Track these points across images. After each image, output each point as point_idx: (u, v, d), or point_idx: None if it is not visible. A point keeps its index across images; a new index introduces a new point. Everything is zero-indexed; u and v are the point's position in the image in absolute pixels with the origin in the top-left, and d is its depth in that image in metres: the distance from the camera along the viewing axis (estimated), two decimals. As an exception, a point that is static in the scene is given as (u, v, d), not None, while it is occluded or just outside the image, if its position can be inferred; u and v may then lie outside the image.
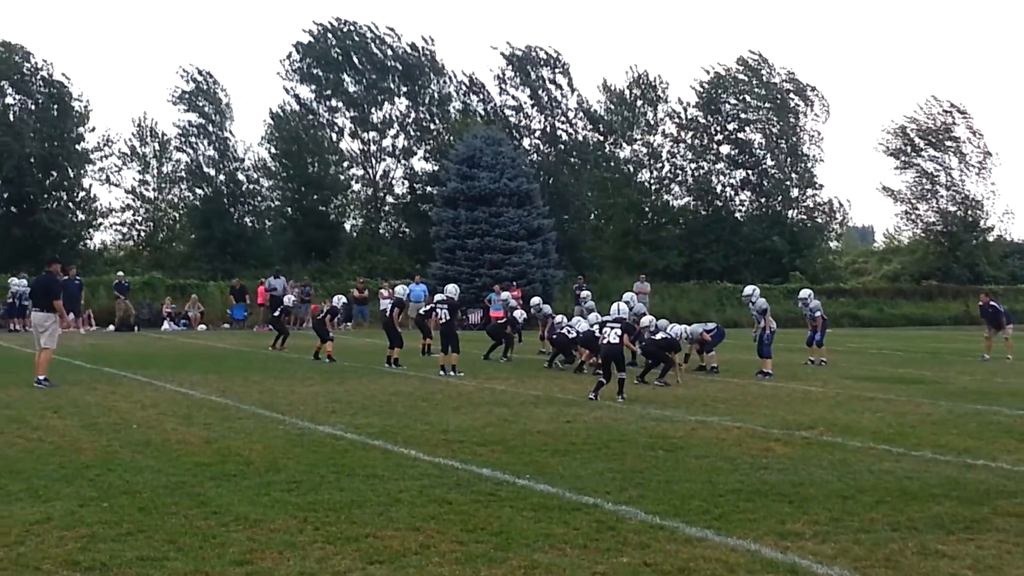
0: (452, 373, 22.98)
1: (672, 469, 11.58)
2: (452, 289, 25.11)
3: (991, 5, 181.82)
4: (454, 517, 9.07)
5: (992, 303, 33.06)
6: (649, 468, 11.61)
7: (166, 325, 44.77)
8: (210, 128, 62.43)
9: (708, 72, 72.77)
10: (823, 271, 72.20)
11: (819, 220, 75.03)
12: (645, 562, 7.77)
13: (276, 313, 34.07)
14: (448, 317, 23.82)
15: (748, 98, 72.90)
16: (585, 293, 31.71)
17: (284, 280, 46.44)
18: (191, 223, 62.58)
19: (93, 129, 60.99)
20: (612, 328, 19.10)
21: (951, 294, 67.77)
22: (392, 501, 9.67)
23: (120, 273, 47.72)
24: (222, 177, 62.71)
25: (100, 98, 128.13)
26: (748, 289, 25.86)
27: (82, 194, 60.58)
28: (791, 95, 73.15)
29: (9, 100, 59.11)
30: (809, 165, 73.24)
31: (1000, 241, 79.67)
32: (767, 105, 72.50)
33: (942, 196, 76.63)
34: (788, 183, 72.89)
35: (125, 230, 64.68)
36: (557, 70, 68.56)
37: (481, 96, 69.57)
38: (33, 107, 59.10)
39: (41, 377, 19.42)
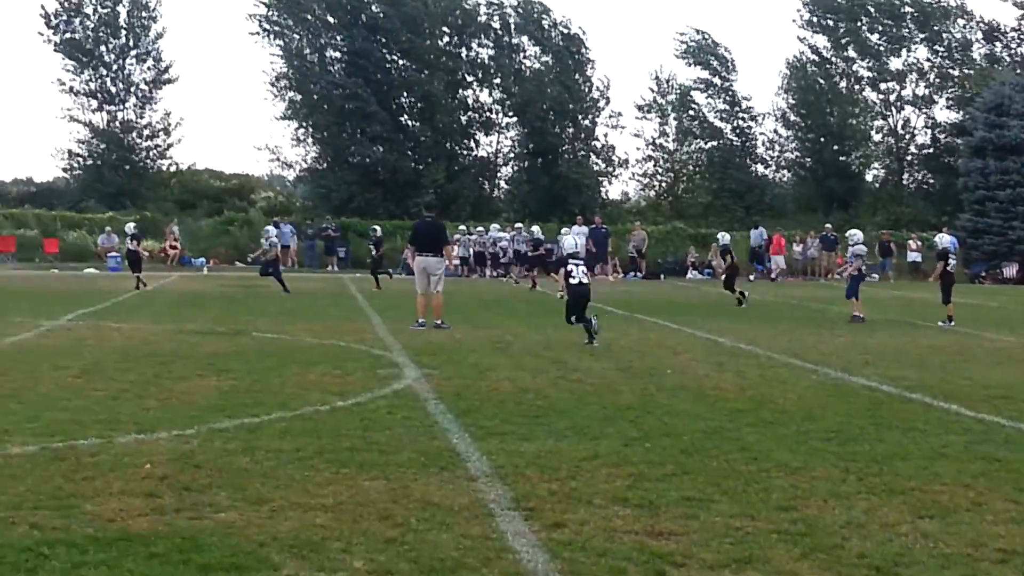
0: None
1: None
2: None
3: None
4: (1005, 475, 8.62)
5: None
6: None
7: (690, 274, 46.18)
8: (716, 82, 63.33)
9: None
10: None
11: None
12: None
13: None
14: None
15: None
16: None
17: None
18: (708, 174, 63.75)
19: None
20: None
21: None
22: (936, 455, 9.32)
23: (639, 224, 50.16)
24: (730, 128, 63.60)
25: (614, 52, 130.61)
26: None
27: (599, 144, 63.13)
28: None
29: (530, 52, 62.82)
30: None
31: None
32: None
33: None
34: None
35: (646, 181, 66.70)
36: None
37: (1004, 42, 65.65)
38: (551, 61, 62.10)
39: (439, 321, 20.03)
